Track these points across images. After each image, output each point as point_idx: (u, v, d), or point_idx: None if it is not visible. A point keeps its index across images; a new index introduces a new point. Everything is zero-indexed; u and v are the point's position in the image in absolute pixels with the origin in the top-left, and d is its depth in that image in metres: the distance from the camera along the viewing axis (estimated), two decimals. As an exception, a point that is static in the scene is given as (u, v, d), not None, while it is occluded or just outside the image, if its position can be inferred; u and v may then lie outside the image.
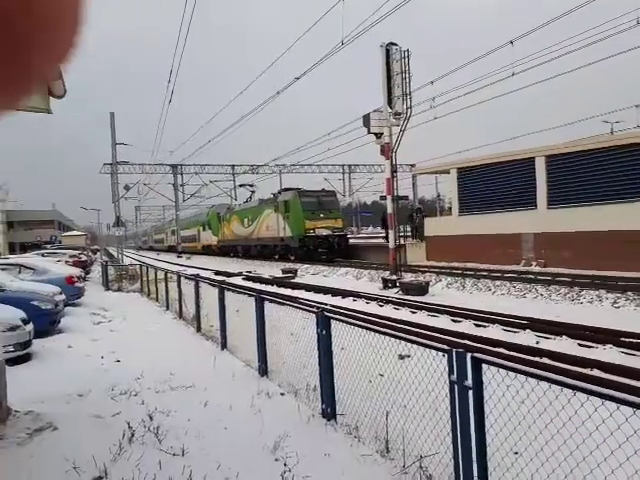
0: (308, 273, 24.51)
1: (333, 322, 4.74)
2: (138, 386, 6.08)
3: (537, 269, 18.55)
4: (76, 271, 15.65)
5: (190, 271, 23.59)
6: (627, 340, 7.61)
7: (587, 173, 17.80)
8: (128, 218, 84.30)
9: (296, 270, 24.11)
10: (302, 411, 4.98)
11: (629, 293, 12.21)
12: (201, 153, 70.61)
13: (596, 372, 6.12)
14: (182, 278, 12.04)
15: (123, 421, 4.74)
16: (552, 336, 8.33)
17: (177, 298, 12.03)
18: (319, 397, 4.91)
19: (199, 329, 9.90)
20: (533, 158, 19.69)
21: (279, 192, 34.98)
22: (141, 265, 22.26)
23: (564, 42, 17.07)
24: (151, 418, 4.87)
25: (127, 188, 45.31)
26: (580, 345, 7.70)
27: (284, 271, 24.11)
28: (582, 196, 17.95)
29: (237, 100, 26.85)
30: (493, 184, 21.71)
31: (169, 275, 13.95)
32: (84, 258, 29.17)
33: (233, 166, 53.70)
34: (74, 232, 64.86)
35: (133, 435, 4.43)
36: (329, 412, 4.71)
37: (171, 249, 65.17)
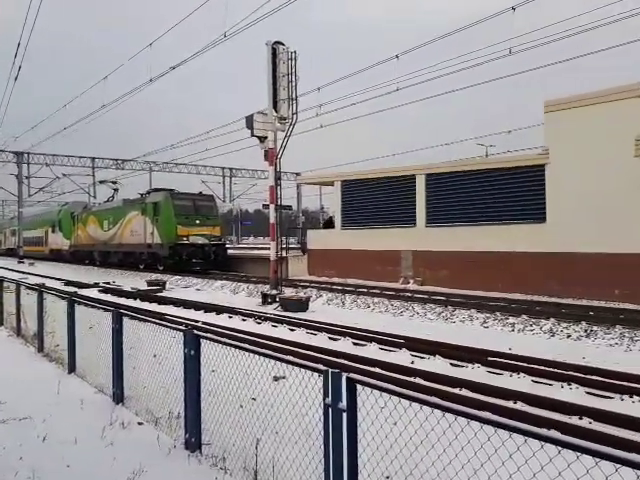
0: (179, 286, 23.73)
1: (204, 342, 4.63)
2: (-44, 419, 5.38)
3: (414, 287, 19.91)
4: None
5: (34, 280, 21.58)
6: (492, 359, 8.49)
7: (462, 194, 19.54)
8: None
9: (164, 282, 23.26)
10: (162, 442, 4.78)
11: (497, 313, 13.61)
12: (54, 141, 64.82)
13: (464, 392, 6.72)
14: (22, 288, 11.03)
15: None
16: (426, 355, 9.00)
17: (15, 312, 10.95)
18: (182, 426, 4.75)
19: (41, 349, 9.09)
20: (414, 176, 21.17)
21: (148, 192, 33.48)
22: (-31, 271, 19.87)
23: (444, 63, 18.66)
24: (-29, 458, 4.33)
25: (-45, 176, 40.12)
26: (452, 365, 8.42)
27: (150, 283, 23.16)
28: (457, 216, 19.66)
29: (100, 86, 25.42)
30: (376, 199, 22.92)
31: (5, 284, 12.69)
32: None
33: (93, 159, 50.12)
34: None
35: (-55, 481, 3.90)
36: (193, 442, 4.58)
37: (11, 253, 59.06)
